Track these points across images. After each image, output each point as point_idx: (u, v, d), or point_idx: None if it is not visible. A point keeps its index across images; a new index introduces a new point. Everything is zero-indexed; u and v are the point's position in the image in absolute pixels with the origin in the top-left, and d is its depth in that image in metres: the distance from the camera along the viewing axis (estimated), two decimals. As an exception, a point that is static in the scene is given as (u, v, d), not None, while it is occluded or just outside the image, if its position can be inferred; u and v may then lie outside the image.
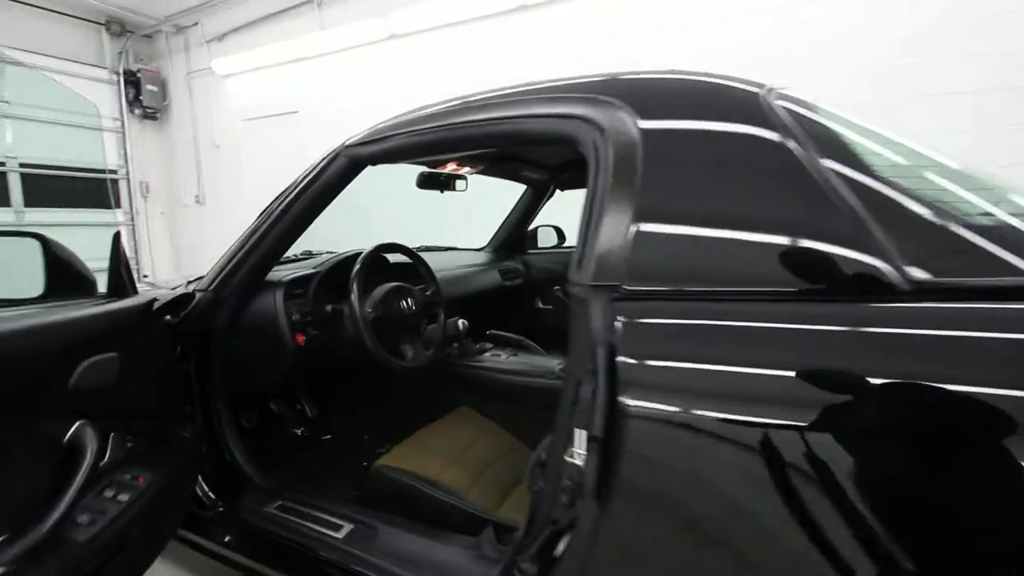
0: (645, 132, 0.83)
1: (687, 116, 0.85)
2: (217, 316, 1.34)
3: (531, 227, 2.71)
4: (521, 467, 1.52)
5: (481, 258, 2.55)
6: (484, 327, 2.07)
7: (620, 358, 0.72)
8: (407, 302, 1.56)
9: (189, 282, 1.42)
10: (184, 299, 1.33)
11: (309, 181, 1.23)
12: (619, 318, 0.75)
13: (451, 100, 1.12)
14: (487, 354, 1.92)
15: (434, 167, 1.81)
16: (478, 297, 2.26)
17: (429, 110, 1.15)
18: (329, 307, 1.47)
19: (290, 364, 1.42)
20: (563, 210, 2.54)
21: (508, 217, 2.61)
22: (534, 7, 3.81)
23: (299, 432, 1.96)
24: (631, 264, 0.77)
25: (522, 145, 0.93)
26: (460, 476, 1.39)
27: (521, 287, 2.57)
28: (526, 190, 2.50)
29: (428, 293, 1.70)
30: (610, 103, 0.88)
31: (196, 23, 5.72)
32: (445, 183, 1.93)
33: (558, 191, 2.49)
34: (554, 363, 1.80)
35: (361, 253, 1.53)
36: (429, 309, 1.70)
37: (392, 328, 1.52)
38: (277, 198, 1.30)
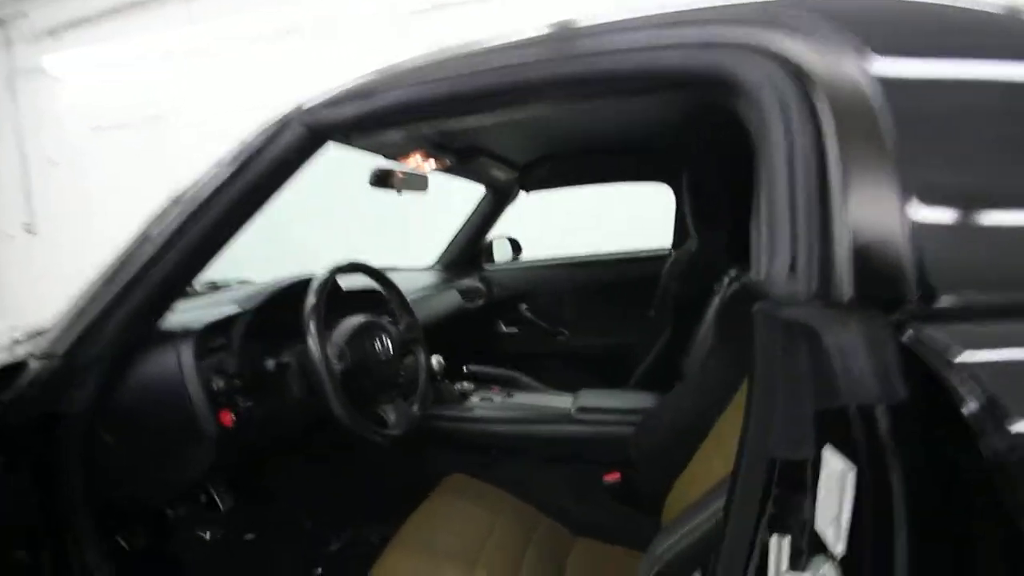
0: (886, 78, 0.52)
1: (945, 52, 0.55)
2: (72, 395, 0.79)
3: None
4: (557, 550, 1.12)
5: (432, 278, 2.11)
6: (456, 362, 1.64)
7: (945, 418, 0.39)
8: (381, 342, 1.10)
9: (17, 342, 0.85)
10: (7, 372, 0.77)
11: (239, 168, 0.75)
12: (926, 345, 0.43)
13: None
14: (474, 398, 1.49)
15: (394, 160, 1.37)
16: (441, 325, 1.82)
17: (442, 55, 0.74)
18: (270, 363, 0.96)
19: (210, 461, 0.89)
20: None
21: (462, 228, 2.20)
22: (450, 5, 3.48)
23: (206, 535, 1.38)
24: (938, 267, 0.45)
25: (619, 94, 0.61)
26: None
27: (481, 309, 2.17)
28: (484, 195, 2.12)
29: (403, 328, 1.25)
30: (811, 30, 0.55)
31: (23, 15, 4.60)
32: (403, 183, 1.49)
33: (523, 193, 2.13)
34: (565, 401, 1.42)
35: (310, 279, 1.04)
36: (405, 349, 1.24)
37: (367, 383, 1.05)
38: (176, 201, 0.80)
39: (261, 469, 1.50)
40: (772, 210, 0.54)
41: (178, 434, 0.85)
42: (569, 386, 1.73)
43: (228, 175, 0.74)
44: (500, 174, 1.83)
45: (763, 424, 0.57)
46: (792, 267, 0.51)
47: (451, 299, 1.99)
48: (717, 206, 1.52)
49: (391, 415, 1.09)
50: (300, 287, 1.00)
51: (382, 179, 1.41)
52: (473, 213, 2.16)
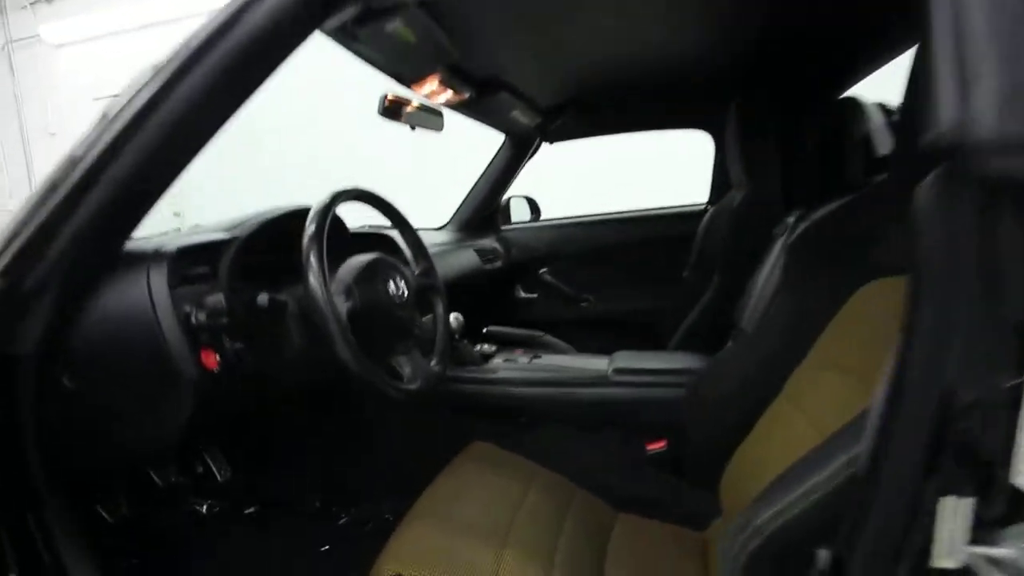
0: None
1: None
2: (18, 329, 0.64)
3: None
4: (597, 526, 0.97)
5: (445, 237, 1.94)
6: (476, 323, 1.49)
7: None
8: (395, 284, 0.94)
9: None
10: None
11: (228, 23, 0.58)
12: None
13: None
14: (497, 359, 1.33)
15: (408, 88, 1.20)
16: (457, 285, 1.67)
17: None
18: (263, 298, 0.80)
19: (191, 411, 0.73)
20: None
21: (477, 184, 2.03)
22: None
23: (202, 509, 1.24)
24: None
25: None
26: (529, 570, 0.81)
27: (499, 272, 2.01)
28: (501, 147, 1.94)
29: (419, 272, 1.09)
30: None
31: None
32: (416, 117, 1.32)
33: (545, 145, 1.95)
34: (600, 363, 1.26)
35: (309, 208, 0.88)
36: (423, 298, 1.08)
37: (378, 329, 0.90)
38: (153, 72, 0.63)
39: (262, 435, 1.36)
40: (964, 21, 0.36)
41: (150, 376, 0.69)
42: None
43: (213, 31, 0.57)
44: (522, 118, 1.65)
45: (934, 344, 0.40)
46: (1013, 93, 0.34)
47: (468, 258, 1.83)
48: (770, 148, 1.34)
49: (406, 368, 0.93)
50: (300, 216, 0.84)
51: (392, 109, 1.24)
52: (489, 167, 1.99)
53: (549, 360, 1.31)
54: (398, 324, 0.92)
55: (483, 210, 2.05)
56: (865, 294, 0.80)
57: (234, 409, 0.91)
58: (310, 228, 0.80)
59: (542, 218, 2.26)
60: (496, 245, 2.05)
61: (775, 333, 0.94)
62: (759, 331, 0.99)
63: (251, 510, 1.31)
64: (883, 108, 1.37)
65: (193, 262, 0.75)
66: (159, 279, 0.69)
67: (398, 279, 0.95)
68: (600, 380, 1.20)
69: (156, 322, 0.67)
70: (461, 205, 2.07)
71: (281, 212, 0.92)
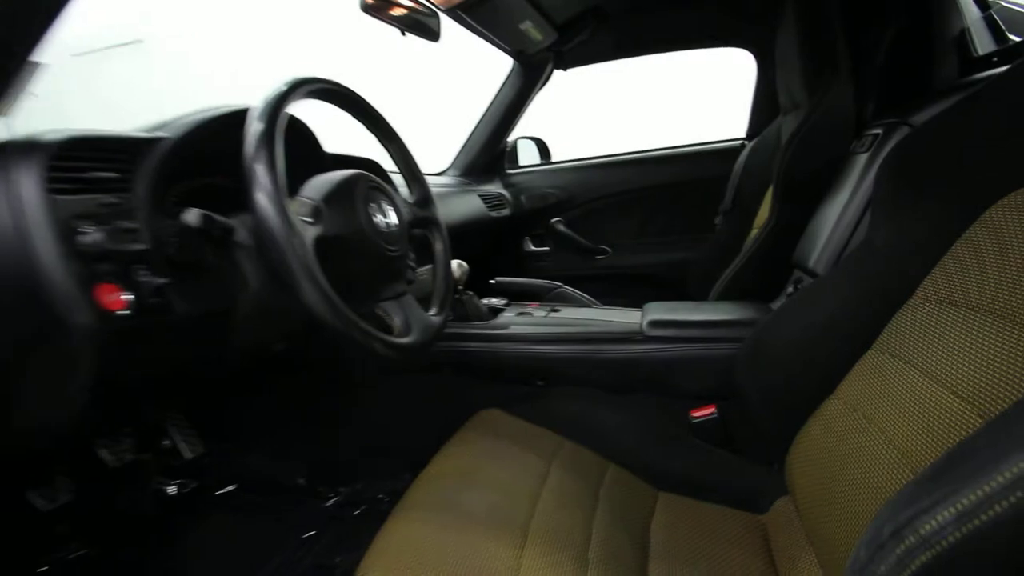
0: None
1: None
2: None
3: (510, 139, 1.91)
4: (636, 508, 0.79)
5: (446, 181, 1.71)
6: (482, 275, 1.28)
7: None
8: (382, 211, 0.72)
9: None
10: None
11: None
12: None
13: None
14: (508, 314, 1.13)
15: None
16: (461, 232, 1.45)
17: None
18: (194, 215, 0.58)
19: (91, 374, 0.52)
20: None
21: (480, 122, 1.79)
22: None
23: (168, 490, 1.07)
24: None
25: None
26: (559, 571, 0.62)
27: (506, 221, 1.78)
28: (508, 76, 1.69)
29: (414, 200, 0.87)
30: None
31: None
32: (407, 21, 1.07)
33: (557, 72, 1.70)
34: (631, 316, 1.06)
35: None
36: (418, 234, 0.87)
37: (360, 265, 0.69)
38: None
39: (236, 404, 1.18)
40: None
41: (19, 325, 0.49)
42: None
43: None
44: (534, 33, 1.40)
45: None
46: None
47: (472, 204, 1.60)
48: (841, 51, 1.09)
49: (396, 317, 0.72)
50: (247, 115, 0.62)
51: (377, 5, 1.00)
52: (494, 101, 1.74)
53: (569, 314, 1.11)
54: (386, 261, 0.71)
55: (488, 151, 1.81)
56: (1001, 210, 0.58)
57: (175, 370, 0.71)
58: (256, 126, 0.58)
59: (554, 160, 2.02)
60: (503, 191, 1.82)
61: (867, 268, 0.72)
62: (842, 269, 0.78)
63: (225, 490, 1.14)
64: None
65: (92, 161, 0.54)
66: (29, 179, 0.47)
67: (385, 205, 0.73)
68: (633, 335, 1.00)
69: (23, 242, 0.46)
70: (464, 146, 1.83)
71: (230, 110, 0.69)
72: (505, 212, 1.77)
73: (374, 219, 0.70)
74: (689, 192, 1.74)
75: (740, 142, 1.70)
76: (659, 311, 1.06)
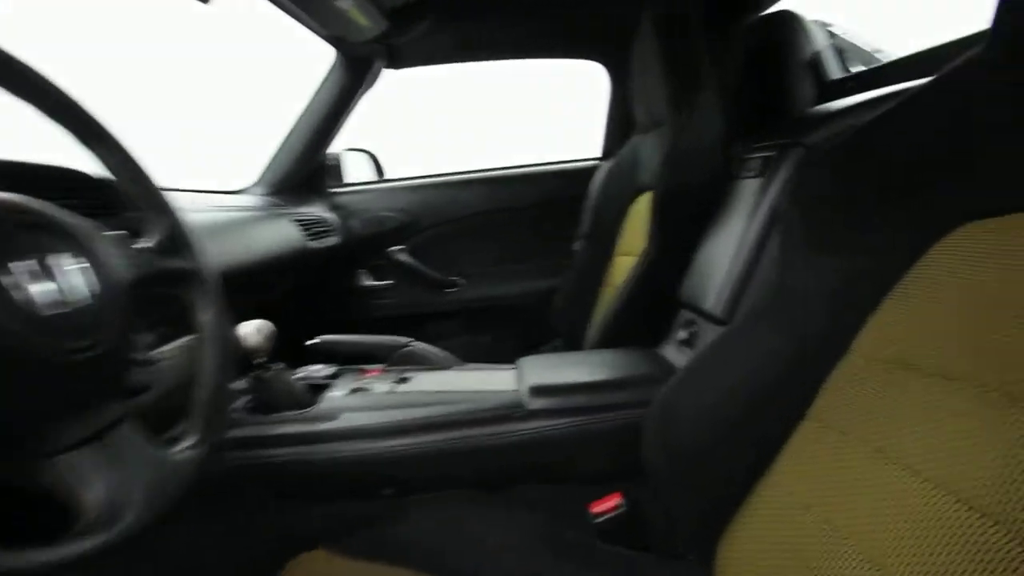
0: None
1: None
2: None
3: (330, 151, 1.56)
4: None
5: (249, 202, 1.30)
6: (298, 332, 0.93)
7: None
8: (48, 274, 0.36)
9: None
10: None
11: None
12: None
13: None
14: (334, 392, 0.80)
15: None
16: (266, 271, 1.07)
17: None
18: None
19: None
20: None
21: (294, 128, 1.40)
22: None
23: None
24: None
25: None
26: None
27: (333, 252, 1.43)
28: (329, 72, 1.35)
29: (155, 245, 0.50)
30: None
31: None
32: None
33: (387, 72, 1.40)
34: (502, 380, 0.82)
35: None
36: (163, 298, 0.50)
37: (21, 379, 0.32)
38: None
39: None
40: None
41: None
42: (476, 357, 1.16)
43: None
44: (358, 17, 1.09)
45: None
46: None
47: (283, 232, 1.22)
48: (701, 71, 1.00)
49: (92, 485, 0.36)
50: None
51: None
52: (311, 103, 1.38)
53: (424, 383, 0.82)
54: (60, 374, 0.35)
55: (304, 164, 1.44)
56: (949, 248, 0.46)
57: None
58: None
59: (390, 177, 1.72)
60: (327, 214, 1.46)
61: (788, 317, 0.58)
62: (757, 316, 0.62)
63: None
64: (824, 27, 1.14)
65: None
66: None
67: (56, 260, 0.37)
68: (512, 412, 0.75)
69: None
70: (274, 157, 1.43)
71: None
72: (331, 240, 1.41)
73: (18, 293, 0.34)
74: (547, 215, 1.58)
75: (595, 162, 1.59)
76: (538, 370, 0.83)
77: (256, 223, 1.15)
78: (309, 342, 0.92)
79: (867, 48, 1.07)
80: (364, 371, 0.89)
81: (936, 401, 0.39)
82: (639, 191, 1.19)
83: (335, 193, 1.56)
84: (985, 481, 0.32)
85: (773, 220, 0.74)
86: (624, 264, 1.19)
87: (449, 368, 0.90)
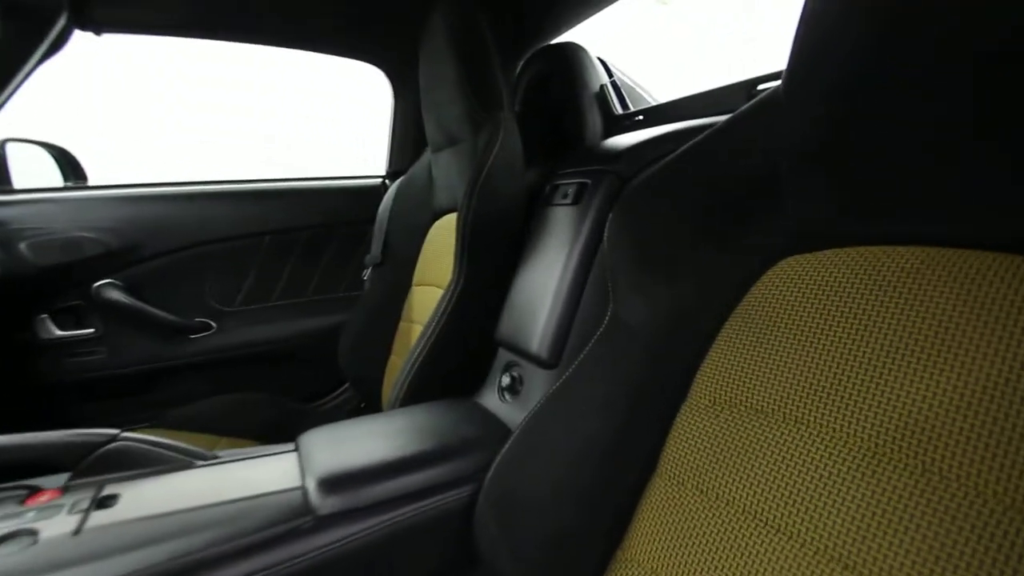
0: None
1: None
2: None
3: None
4: None
5: None
6: None
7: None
8: None
9: None
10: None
11: None
12: None
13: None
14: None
15: None
16: None
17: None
18: None
19: None
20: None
21: None
22: None
23: None
24: None
25: None
26: None
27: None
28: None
29: None
30: None
31: None
32: None
33: (87, 37, 0.99)
34: (282, 470, 0.58)
35: None
36: None
37: None
38: None
39: None
40: None
41: None
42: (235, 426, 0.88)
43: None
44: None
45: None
46: None
47: None
48: (501, 90, 0.94)
49: None
50: None
51: None
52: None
53: (141, 504, 0.53)
54: None
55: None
56: (772, 282, 0.46)
57: None
58: None
59: (94, 184, 1.24)
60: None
61: (623, 356, 0.52)
62: (592, 359, 0.55)
63: None
64: (603, 63, 1.18)
65: None
66: None
67: None
68: (295, 523, 0.52)
69: None
70: None
71: None
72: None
73: None
74: (322, 239, 1.33)
75: (380, 180, 1.41)
76: (328, 450, 0.62)
77: None
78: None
79: (637, 88, 1.15)
80: (36, 492, 0.54)
81: (789, 448, 0.36)
82: (438, 214, 1.07)
83: (3, 202, 1.04)
84: (851, 535, 0.31)
85: (594, 251, 0.69)
86: (426, 296, 1.04)
87: (191, 466, 0.61)
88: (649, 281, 0.49)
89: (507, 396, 0.74)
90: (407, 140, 1.39)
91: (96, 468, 0.58)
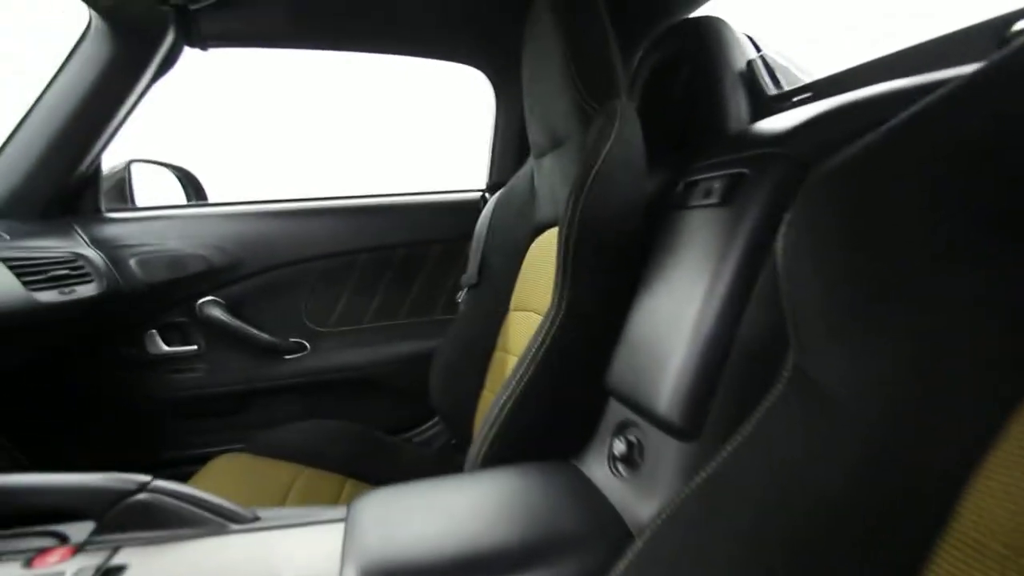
0: None
1: None
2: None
3: (106, 166, 1.09)
4: None
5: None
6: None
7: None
8: None
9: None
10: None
11: None
12: None
13: None
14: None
15: None
16: None
17: None
18: None
19: None
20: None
21: (25, 127, 0.93)
22: None
23: None
24: None
25: None
26: None
27: (94, 307, 0.96)
28: (83, 37, 0.91)
29: None
30: None
31: None
32: None
33: (194, 52, 0.99)
34: (323, 548, 0.44)
35: None
36: None
37: None
38: None
39: None
40: None
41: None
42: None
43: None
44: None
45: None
46: None
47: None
48: (617, 76, 0.76)
49: None
50: None
51: None
52: (56, 86, 0.92)
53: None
54: None
55: (54, 176, 0.96)
56: None
57: None
58: None
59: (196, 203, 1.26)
60: (87, 251, 0.98)
61: (815, 433, 0.29)
62: (760, 427, 0.33)
63: None
64: (748, 37, 0.97)
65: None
66: None
67: None
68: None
69: None
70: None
71: None
72: (88, 291, 0.93)
73: None
74: (419, 258, 1.24)
75: (480, 194, 1.30)
76: (379, 528, 0.47)
77: None
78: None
79: (792, 67, 0.91)
80: (43, 553, 0.46)
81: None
82: (539, 228, 0.91)
83: (111, 219, 1.08)
84: None
85: (755, 268, 0.48)
86: (523, 324, 0.88)
87: (223, 530, 0.49)
88: (872, 320, 0.28)
89: (621, 469, 0.54)
90: (510, 150, 1.26)
91: (119, 521, 0.49)
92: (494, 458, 0.65)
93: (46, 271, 0.86)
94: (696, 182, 0.60)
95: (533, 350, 0.67)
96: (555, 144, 0.85)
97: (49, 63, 0.92)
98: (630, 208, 0.65)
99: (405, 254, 1.22)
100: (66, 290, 0.89)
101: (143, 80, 0.95)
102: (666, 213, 0.64)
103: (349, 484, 0.95)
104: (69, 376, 1.05)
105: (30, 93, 0.92)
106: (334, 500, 0.88)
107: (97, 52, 0.90)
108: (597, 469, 0.58)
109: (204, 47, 0.98)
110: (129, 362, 1.09)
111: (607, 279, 0.64)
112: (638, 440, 0.54)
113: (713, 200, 0.54)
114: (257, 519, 0.52)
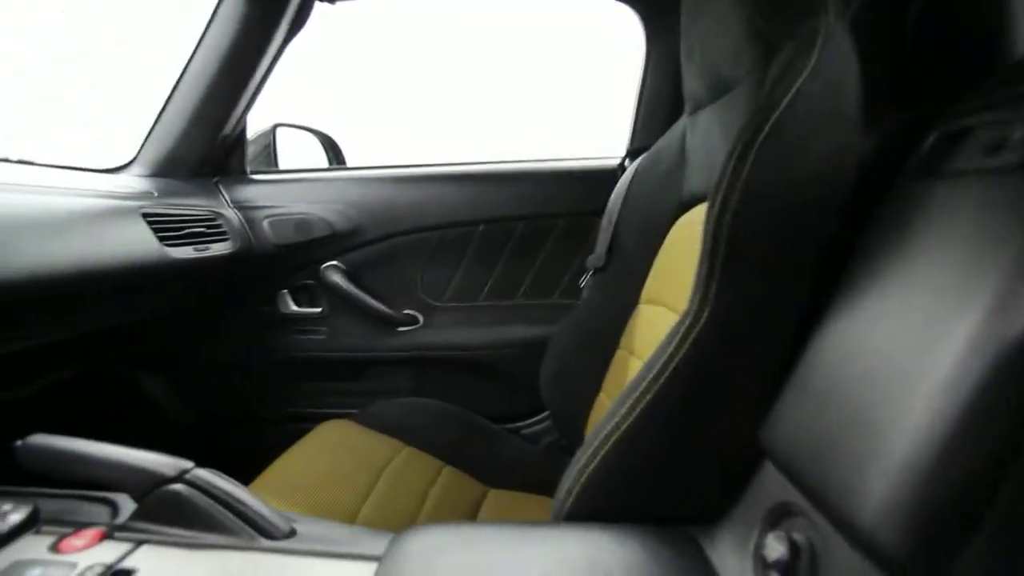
0: None
1: None
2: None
3: (252, 130, 1.13)
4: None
5: (119, 186, 0.89)
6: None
7: None
8: None
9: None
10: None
11: None
12: None
13: None
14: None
15: None
16: (82, 287, 0.66)
17: None
18: None
19: None
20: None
21: (179, 89, 0.98)
22: None
23: None
24: None
25: None
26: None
27: (237, 265, 1.00)
28: (221, 2, 0.92)
29: None
30: None
31: None
32: None
33: (326, 9, 0.96)
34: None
35: None
36: None
37: None
38: None
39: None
40: None
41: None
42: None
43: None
44: None
45: None
46: None
47: (119, 236, 0.79)
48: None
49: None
50: None
51: None
52: (202, 49, 0.94)
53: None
54: None
55: (201, 137, 1.01)
56: None
57: None
58: None
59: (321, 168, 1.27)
60: (226, 210, 1.03)
61: None
62: None
63: None
64: None
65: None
66: None
67: None
68: None
69: None
70: (155, 125, 1.01)
71: None
72: (223, 248, 0.97)
73: None
74: (545, 234, 1.10)
75: (618, 162, 1.10)
76: None
77: (83, 218, 0.73)
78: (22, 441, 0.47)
79: None
80: (76, 532, 0.43)
81: None
82: (687, 204, 0.71)
83: (256, 180, 1.12)
84: None
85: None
86: (655, 320, 0.70)
87: (250, 544, 0.42)
88: None
89: (773, 581, 0.35)
90: (659, 107, 1.04)
91: (153, 509, 0.44)
92: (588, 501, 0.49)
93: (184, 228, 0.91)
94: (966, 131, 0.35)
95: (661, 363, 0.49)
96: (718, 92, 0.63)
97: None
98: (830, 175, 0.42)
99: (525, 228, 1.09)
100: (201, 247, 0.92)
101: (277, 37, 0.94)
102: (900, 184, 0.40)
103: (446, 471, 0.88)
104: (222, 327, 1.14)
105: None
106: (428, 486, 0.81)
107: (232, 11, 0.90)
108: (731, 559, 0.39)
109: (332, 0, 0.94)
110: (265, 319, 1.14)
111: (777, 283, 0.43)
112: (810, 544, 0.34)
113: (1008, 159, 0.30)
114: (292, 533, 0.44)
